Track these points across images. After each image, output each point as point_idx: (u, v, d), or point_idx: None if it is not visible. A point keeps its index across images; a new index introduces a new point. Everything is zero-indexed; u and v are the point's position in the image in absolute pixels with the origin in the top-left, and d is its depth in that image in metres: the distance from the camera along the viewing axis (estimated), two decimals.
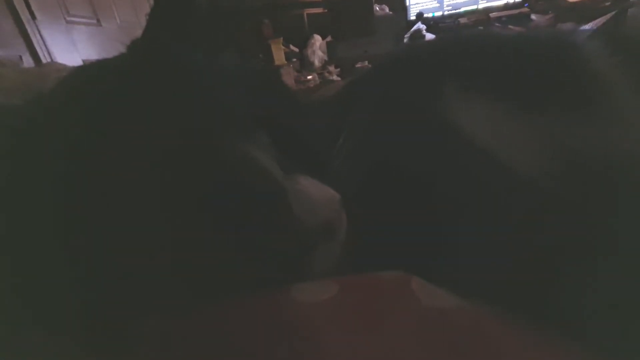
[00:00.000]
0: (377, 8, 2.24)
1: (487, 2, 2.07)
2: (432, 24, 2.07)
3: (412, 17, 2.13)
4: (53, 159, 0.18)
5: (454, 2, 2.11)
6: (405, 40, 2.01)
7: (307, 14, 2.20)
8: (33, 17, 1.33)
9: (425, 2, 2.12)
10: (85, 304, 0.17)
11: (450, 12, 2.14)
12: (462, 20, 2.07)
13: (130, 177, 0.18)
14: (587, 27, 0.89)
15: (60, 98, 0.22)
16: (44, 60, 1.33)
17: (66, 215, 0.17)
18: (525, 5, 1.96)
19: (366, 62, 1.98)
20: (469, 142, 0.25)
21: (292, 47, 2.15)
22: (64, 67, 0.93)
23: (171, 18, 0.25)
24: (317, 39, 2.16)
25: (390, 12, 2.27)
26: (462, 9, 2.11)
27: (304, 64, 2.13)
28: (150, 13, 0.25)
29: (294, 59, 2.11)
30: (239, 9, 1.92)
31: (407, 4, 2.14)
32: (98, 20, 1.74)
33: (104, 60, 0.24)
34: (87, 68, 0.24)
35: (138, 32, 0.26)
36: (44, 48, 1.36)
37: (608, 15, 0.88)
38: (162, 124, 0.19)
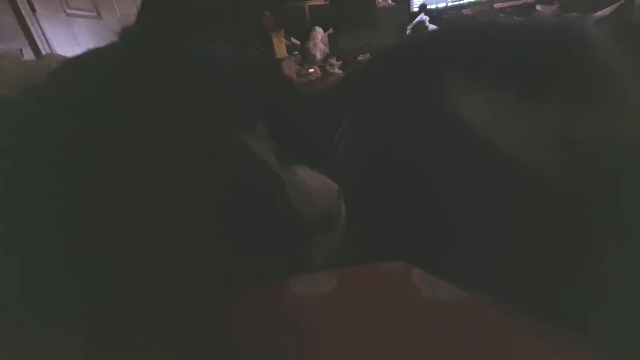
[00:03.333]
0: None
1: None
2: (435, 15, 2.04)
3: (415, 9, 2.10)
4: (45, 153, 0.18)
5: None
6: (407, 32, 1.99)
7: (309, 6, 2.18)
8: (33, 10, 1.32)
9: None
10: (87, 299, 0.17)
11: (453, 3, 2.11)
12: (466, 11, 2.04)
13: (126, 169, 0.18)
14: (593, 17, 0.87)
15: (51, 90, 0.21)
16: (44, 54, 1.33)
17: (64, 210, 0.17)
18: None
19: (368, 55, 1.96)
20: (471, 133, 0.25)
21: (293, 39, 2.13)
22: (64, 58, 0.93)
23: (165, 6, 0.24)
24: (319, 31, 2.13)
25: (393, 3, 2.24)
26: (466, 0, 2.08)
27: (306, 57, 2.11)
28: (142, 1, 0.24)
29: (296, 52, 2.09)
30: (239, 0, 1.90)
31: None
32: (98, 13, 1.73)
33: (94, 51, 0.23)
34: (78, 59, 0.24)
35: None
36: (44, 41, 1.36)
37: (615, 5, 0.86)
38: (156, 116, 0.19)
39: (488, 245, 0.21)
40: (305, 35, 2.14)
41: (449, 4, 2.11)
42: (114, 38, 0.24)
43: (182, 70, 0.22)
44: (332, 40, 2.16)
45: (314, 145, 0.26)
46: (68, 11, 1.53)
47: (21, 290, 0.17)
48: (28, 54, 1.28)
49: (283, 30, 2.01)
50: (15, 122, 0.18)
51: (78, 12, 1.59)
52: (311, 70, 1.90)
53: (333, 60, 2.05)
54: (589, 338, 0.16)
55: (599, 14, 0.87)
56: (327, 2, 2.19)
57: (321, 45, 2.12)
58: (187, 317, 0.17)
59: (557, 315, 0.16)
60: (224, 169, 0.19)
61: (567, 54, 0.28)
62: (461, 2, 2.09)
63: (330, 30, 2.17)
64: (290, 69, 1.78)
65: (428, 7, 2.07)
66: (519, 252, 0.21)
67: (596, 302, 0.19)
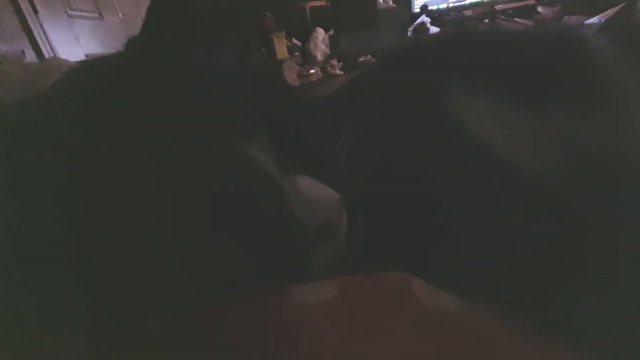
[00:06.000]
0: (381, 0, 2.21)
1: None
2: (437, 16, 2.04)
3: (416, 10, 2.10)
4: (51, 160, 0.18)
5: None
6: (409, 33, 1.99)
7: (310, 7, 2.18)
8: (35, 11, 1.32)
9: None
10: (88, 303, 0.17)
11: (455, 4, 2.10)
12: (467, 12, 2.04)
13: (127, 178, 0.18)
14: (594, 19, 0.87)
15: (57, 98, 0.21)
16: (46, 55, 1.33)
17: (65, 216, 0.17)
18: None
19: (369, 56, 1.96)
20: (473, 139, 0.25)
21: (294, 40, 2.12)
22: (66, 62, 0.93)
23: (170, 13, 0.25)
24: (320, 32, 2.13)
25: (394, 5, 2.23)
26: (468, 1, 2.08)
27: (307, 58, 2.11)
28: (148, 8, 0.24)
29: (297, 53, 2.09)
30: (240, 1, 1.90)
31: None
32: (100, 14, 1.73)
33: (100, 59, 0.23)
34: (84, 68, 0.24)
35: (140, 26, 0.25)
36: (46, 42, 1.36)
37: (617, 8, 0.86)
38: (159, 125, 0.19)
39: (489, 254, 0.21)
40: (306, 36, 2.14)
41: (450, 5, 2.11)
42: (117, 43, 0.25)
43: (185, 79, 0.22)
44: (333, 41, 2.15)
45: (315, 152, 0.26)
46: (70, 12, 1.53)
47: (23, 293, 0.17)
48: (30, 55, 1.29)
49: (284, 31, 2.01)
50: (15, 127, 0.18)
51: (80, 13, 1.60)
52: (312, 71, 1.89)
53: (334, 61, 2.04)
54: (590, 347, 0.16)
55: (601, 16, 0.87)
56: (328, 3, 2.19)
57: (322, 46, 2.12)
58: (186, 324, 0.17)
59: (559, 325, 0.16)
60: (225, 178, 0.19)
61: (569, 60, 0.28)
62: (462, 3, 2.09)
63: (332, 31, 2.17)
64: (291, 69, 1.78)
65: (429, 8, 2.07)
66: (520, 261, 0.21)
67: (598, 311, 0.18)
